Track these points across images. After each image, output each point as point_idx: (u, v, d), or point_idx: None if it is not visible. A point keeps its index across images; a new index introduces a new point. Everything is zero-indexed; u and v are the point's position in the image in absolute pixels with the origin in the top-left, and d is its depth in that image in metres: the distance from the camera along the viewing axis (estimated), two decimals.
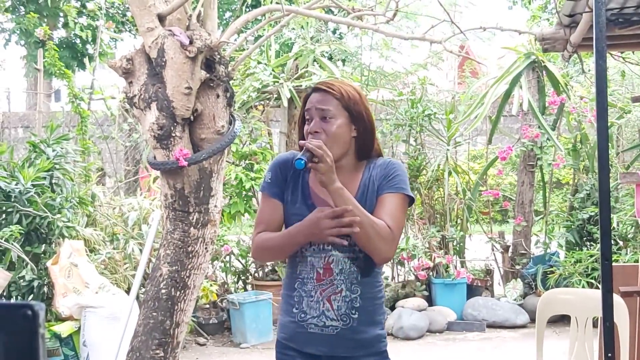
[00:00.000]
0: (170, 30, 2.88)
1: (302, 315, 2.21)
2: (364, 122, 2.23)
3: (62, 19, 14.46)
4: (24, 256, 4.89)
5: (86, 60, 8.06)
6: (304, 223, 2.13)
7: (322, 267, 2.20)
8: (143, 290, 4.09)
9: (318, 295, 2.19)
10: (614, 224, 6.50)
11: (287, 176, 2.27)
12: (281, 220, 2.28)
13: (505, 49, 7.63)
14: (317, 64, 7.09)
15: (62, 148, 5.45)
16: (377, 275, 2.26)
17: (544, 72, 6.92)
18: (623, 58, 4.94)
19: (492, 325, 6.43)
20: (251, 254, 2.43)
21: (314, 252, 2.21)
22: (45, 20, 13.59)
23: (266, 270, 6.93)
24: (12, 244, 4.84)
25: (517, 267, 6.95)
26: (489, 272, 7.11)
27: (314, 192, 2.24)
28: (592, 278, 6.18)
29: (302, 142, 2.10)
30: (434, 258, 6.70)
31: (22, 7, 14.20)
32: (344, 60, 8.34)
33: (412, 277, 7.00)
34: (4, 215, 4.99)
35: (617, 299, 2.69)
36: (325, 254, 2.20)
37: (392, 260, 6.47)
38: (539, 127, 6.81)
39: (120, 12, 14.33)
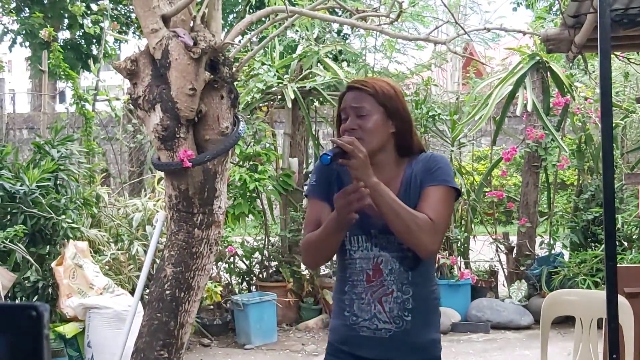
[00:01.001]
0: (174, 32, 2.89)
1: (354, 319, 2.19)
2: (400, 118, 2.21)
3: (66, 20, 14.48)
4: (28, 257, 4.90)
5: (91, 61, 8.07)
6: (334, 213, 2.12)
7: (371, 269, 2.18)
8: (147, 291, 4.09)
9: (369, 297, 2.17)
10: (619, 225, 6.49)
11: (332, 177, 2.26)
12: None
13: (509, 50, 7.62)
14: (321, 65, 7.09)
15: (66, 149, 5.47)
16: (429, 275, 2.23)
17: (548, 72, 6.91)
18: (627, 59, 4.93)
19: (497, 327, 6.43)
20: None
21: (362, 254, 2.19)
22: (50, 21, 13.61)
23: (270, 271, 6.93)
24: (17, 245, 4.85)
25: (522, 268, 6.94)
26: (493, 273, 7.10)
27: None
28: (597, 279, 6.16)
29: (332, 139, 2.08)
30: (438, 259, 6.69)
31: (27, 9, 14.23)
32: (348, 61, 8.34)
33: None
34: (8, 217, 5.00)
35: (621, 300, 2.69)
36: (373, 255, 2.18)
37: None
38: (543, 127, 6.80)
39: (124, 13, 14.35)
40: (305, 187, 2.34)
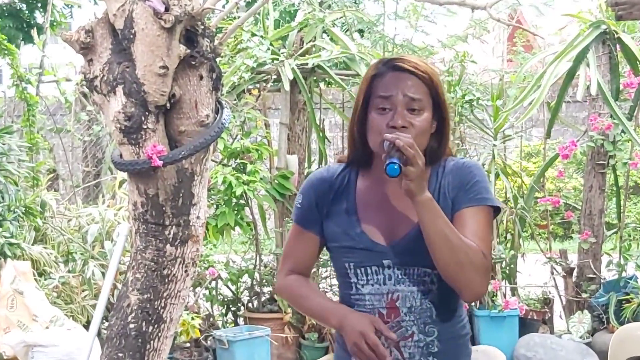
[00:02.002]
0: None
1: None
2: (442, 115, 2.23)
3: None
4: None
5: (34, 32, 8.08)
6: (347, 315, 2.17)
7: (385, 307, 2.20)
8: (106, 324, 4.09)
9: (383, 341, 2.18)
10: None
11: (325, 201, 2.27)
12: (314, 256, 2.33)
13: (567, 16, 7.61)
14: (328, 36, 7.09)
15: (3, 144, 5.47)
16: (456, 307, 2.25)
17: (617, 45, 6.89)
18: None
19: None
20: (275, 291, 2.49)
21: (372, 289, 2.21)
22: None
23: (262, 299, 6.93)
24: None
25: (584, 295, 6.93)
26: (547, 302, 7.09)
27: (362, 204, 2.24)
28: None
29: (389, 135, 2.06)
30: None
31: None
32: (361, 32, 8.34)
33: None
34: None
35: None
36: (387, 290, 2.20)
37: None
38: (611, 116, 6.78)
39: None
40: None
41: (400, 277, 2.18)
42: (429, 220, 2.05)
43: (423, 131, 2.14)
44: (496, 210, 2.21)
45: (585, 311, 6.82)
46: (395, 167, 1.99)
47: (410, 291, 2.18)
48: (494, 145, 7.12)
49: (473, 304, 6.75)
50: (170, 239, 3.04)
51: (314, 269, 6.57)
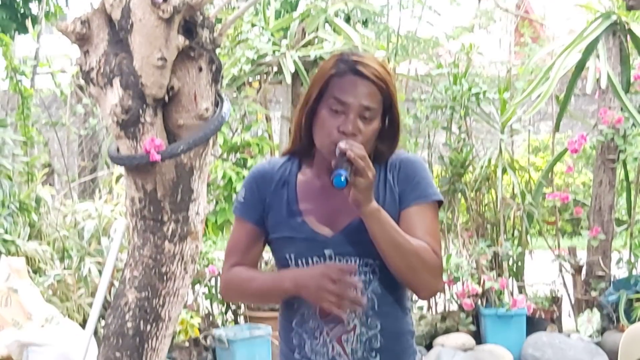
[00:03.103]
0: None
1: None
2: (392, 115, 2.26)
3: None
4: None
5: (29, 22, 8.08)
6: (300, 272, 2.17)
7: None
8: (103, 323, 4.09)
9: (324, 336, 2.20)
10: None
11: (266, 193, 2.29)
12: (258, 250, 2.33)
13: (577, 6, 7.59)
14: (330, 27, 7.08)
15: None
16: (401, 301, 2.26)
17: (628, 36, 6.88)
18: None
19: None
20: (220, 292, 2.47)
21: None
22: None
23: None
24: None
25: (593, 293, 6.92)
26: (555, 300, 7.08)
27: (303, 195, 2.26)
28: None
29: (343, 145, 2.08)
30: (484, 282, 6.68)
31: None
32: (365, 23, 8.34)
33: (454, 307, 6.98)
34: None
35: None
36: None
37: None
38: (621, 109, 6.78)
39: None
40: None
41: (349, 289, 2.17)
42: (378, 228, 2.09)
43: (370, 139, 2.17)
44: (440, 203, 2.26)
45: (595, 310, 6.82)
46: (342, 179, 2.02)
47: None
48: (501, 139, 7.11)
49: (479, 302, 6.75)
50: (169, 236, 3.04)
51: None
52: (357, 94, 2.16)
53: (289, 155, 2.35)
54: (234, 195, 6.44)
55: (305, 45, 6.95)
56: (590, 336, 6.66)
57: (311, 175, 2.29)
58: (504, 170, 7.07)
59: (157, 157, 2.91)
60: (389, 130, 2.25)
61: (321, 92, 2.20)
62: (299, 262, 2.22)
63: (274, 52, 6.80)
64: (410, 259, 2.10)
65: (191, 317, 5.98)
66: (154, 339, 3.07)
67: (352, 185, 2.04)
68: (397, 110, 2.24)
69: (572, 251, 7.27)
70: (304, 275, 2.14)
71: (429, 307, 7.13)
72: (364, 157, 2.04)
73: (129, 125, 2.92)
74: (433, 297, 7.00)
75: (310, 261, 2.20)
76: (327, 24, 7.07)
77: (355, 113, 2.15)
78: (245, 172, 6.36)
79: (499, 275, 6.92)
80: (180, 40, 2.91)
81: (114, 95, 2.90)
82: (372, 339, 2.19)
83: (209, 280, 6.72)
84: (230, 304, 6.93)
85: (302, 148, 2.29)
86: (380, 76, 2.17)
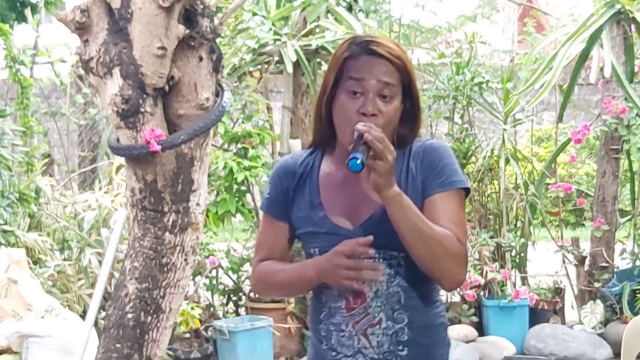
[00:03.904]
0: None
1: (333, 354, 2.23)
2: (413, 97, 2.22)
3: None
4: None
5: (28, 11, 8.07)
6: (320, 258, 2.18)
7: (351, 292, 2.19)
8: (103, 314, 4.10)
9: (350, 329, 2.20)
10: None
11: (290, 187, 2.29)
12: (286, 245, 2.34)
13: None
14: (332, 15, 7.07)
15: None
16: (430, 293, 2.24)
17: (632, 26, 6.87)
18: None
19: None
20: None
21: None
22: None
23: None
24: None
25: (597, 284, 6.93)
26: (558, 292, 7.09)
27: (325, 188, 2.25)
28: None
29: (360, 126, 2.04)
30: (486, 273, 6.68)
31: None
32: (366, 12, 8.31)
33: (456, 298, 6.98)
34: None
35: None
36: None
37: None
38: (625, 99, 6.77)
39: None
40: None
41: (365, 260, 2.16)
42: (399, 214, 2.06)
43: (391, 119, 2.15)
44: (467, 191, 2.21)
45: (598, 301, 6.83)
46: (358, 162, 1.98)
47: None
48: (504, 129, 7.11)
49: (482, 293, 6.76)
50: (169, 227, 3.04)
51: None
52: (373, 71, 2.13)
53: (312, 148, 2.34)
54: (235, 186, 6.45)
55: (306, 35, 6.94)
56: (594, 327, 6.66)
57: (333, 167, 2.27)
58: (507, 161, 7.06)
59: (158, 148, 2.90)
60: (409, 112, 2.21)
61: (337, 78, 2.18)
62: (323, 254, 2.22)
63: (275, 41, 6.79)
64: (433, 247, 2.06)
65: (192, 308, 5.98)
66: (155, 330, 3.08)
67: (371, 168, 2.01)
68: (416, 90, 2.21)
69: (575, 242, 7.28)
70: (322, 259, 2.15)
71: None
72: (383, 139, 2.01)
73: (129, 115, 2.92)
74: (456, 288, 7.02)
75: None
76: (328, 13, 7.05)
77: (374, 91, 2.12)
78: (246, 163, 6.37)
79: (502, 266, 6.93)
80: (181, 30, 2.91)
81: (114, 84, 2.90)
82: (399, 332, 2.18)
83: (210, 272, 6.73)
84: (231, 295, 6.95)
85: (324, 139, 2.28)
86: (396, 54, 2.15)
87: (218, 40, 3.07)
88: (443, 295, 7.14)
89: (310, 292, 2.32)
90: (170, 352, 6.02)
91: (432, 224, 2.08)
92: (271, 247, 2.33)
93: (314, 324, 2.30)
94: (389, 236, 2.11)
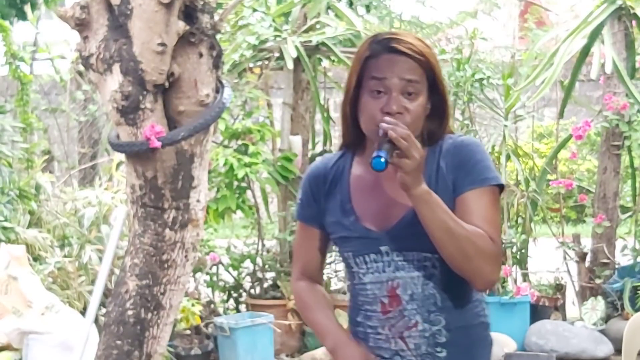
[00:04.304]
0: None
1: (372, 356, 2.23)
2: (439, 94, 2.19)
3: None
4: None
5: (28, 7, 8.06)
6: (340, 341, 2.23)
7: (386, 296, 2.19)
8: (103, 311, 4.10)
9: (387, 332, 2.20)
10: None
11: (321, 193, 2.28)
12: (321, 252, 2.35)
13: None
14: (332, 12, 7.06)
15: None
16: (466, 293, 2.22)
17: (633, 22, 6.86)
18: None
19: (564, 358, 6.42)
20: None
21: (373, 277, 2.21)
22: None
23: (265, 285, 6.95)
24: None
25: (598, 281, 6.93)
26: (559, 288, 7.09)
27: (355, 191, 2.23)
28: None
29: (384, 124, 2.01)
30: None
31: None
32: (367, 7, 8.31)
33: None
34: None
35: None
36: (387, 278, 2.19)
37: None
38: (627, 95, 6.76)
39: None
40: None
41: (399, 263, 2.16)
42: (428, 213, 2.02)
43: (418, 116, 2.11)
44: (501, 187, 2.17)
45: (599, 297, 6.83)
46: (382, 160, 1.95)
47: (410, 277, 2.16)
48: (505, 125, 7.11)
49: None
50: (170, 223, 3.04)
51: None
52: (395, 69, 2.10)
53: (343, 150, 2.32)
54: (235, 183, 6.45)
55: (307, 31, 6.94)
56: (595, 324, 6.67)
57: (364, 168, 2.23)
58: (508, 157, 7.06)
59: (158, 144, 2.90)
60: (437, 107, 2.18)
61: (359, 78, 2.15)
62: (357, 260, 2.23)
63: (275, 37, 6.79)
64: (463, 245, 2.02)
65: (192, 305, 5.99)
66: (155, 326, 3.08)
67: (397, 166, 1.97)
68: (442, 85, 2.18)
69: (577, 238, 7.28)
70: (342, 352, 2.21)
71: None
72: (408, 136, 1.96)
73: (129, 111, 2.92)
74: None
75: (367, 258, 2.20)
76: (329, 9, 7.05)
77: (398, 90, 2.09)
78: (247, 159, 6.37)
79: (503, 262, 6.92)
80: (181, 26, 2.91)
81: (114, 81, 2.90)
82: (436, 334, 2.16)
83: (210, 268, 6.74)
84: (232, 291, 6.96)
85: (353, 140, 2.25)
86: (418, 49, 2.12)
87: (218, 36, 3.07)
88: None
89: (349, 290, 2.34)
90: (171, 349, 6.03)
91: (463, 223, 2.04)
92: (306, 257, 2.35)
93: (352, 325, 2.31)
94: (421, 238, 2.08)
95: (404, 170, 1.97)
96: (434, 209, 2.02)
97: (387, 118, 2.04)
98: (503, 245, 6.97)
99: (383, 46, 2.13)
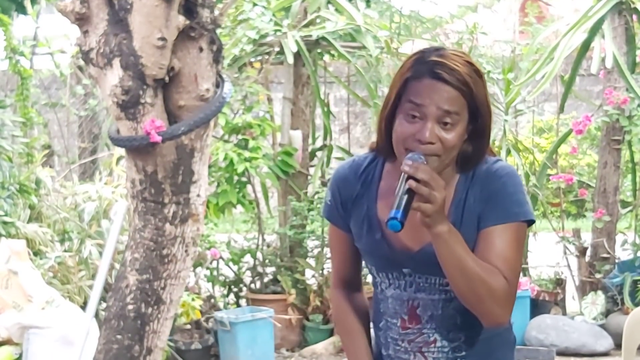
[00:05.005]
0: None
1: None
2: (482, 118, 2.08)
3: None
4: None
5: (28, 2, 8.06)
6: None
7: (406, 313, 2.18)
8: (104, 305, 4.10)
9: (406, 345, 2.19)
10: None
11: (348, 199, 2.22)
12: (355, 251, 2.28)
13: None
14: (333, 6, 7.05)
15: None
16: None
17: (633, 16, 6.86)
18: None
19: (564, 353, 6.43)
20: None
21: (394, 293, 2.19)
22: None
23: (265, 280, 6.95)
24: None
25: (598, 275, 6.93)
26: (559, 283, 7.09)
27: (383, 207, 2.15)
28: None
29: (406, 167, 1.93)
30: None
31: None
32: (367, 1, 8.31)
33: None
34: None
35: None
36: (407, 297, 2.17)
37: None
38: (627, 89, 6.76)
39: None
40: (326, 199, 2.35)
41: (421, 285, 2.14)
42: (445, 251, 1.97)
43: (452, 146, 2.02)
44: (530, 223, 2.10)
45: (599, 292, 6.83)
46: (397, 223, 1.90)
47: (431, 299, 2.14)
48: (505, 120, 7.10)
49: None
50: (170, 218, 3.04)
51: None
52: (435, 98, 1.99)
53: (373, 154, 2.24)
54: (235, 177, 6.45)
55: (307, 25, 6.93)
56: (595, 318, 6.67)
57: (394, 179, 2.10)
58: (508, 152, 7.06)
59: (158, 139, 2.90)
60: (476, 131, 2.08)
61: (399, 95, 2.06)
62: (380, 274, 2.21)
63: (275, 32, 6.78)
64: (476, 286, 1.96)
65: (193, 299, 5.99)
66: (155, 321, 3.08)
67: (417, 211, 1.92)
68: (486, 111, 2.07)
69: (577, 233, 7.28)
70: None
71: None
72: (429, 180, 1.89)
73: (129, 106, 2.91)
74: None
75: (389, 275, 2.18)
76: (329, 4, 7.04)
77: (434, 119, 1.99)
78: (247, 154, 6.36)
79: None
80: (181, 20, 2.91)
81: (114, 75, 2.90)
82: (456, 349, 2.16)
83: (211, 263, 6.74)
84: (232, 286, 6.96)
85: (385, 149, 2.15)
86: (463, 79, 2.00)
87: (218, 31, 3.06)
88: None
89: (373, 297, 2.30)
90: (171, 344, 6.03)
91: (479, 262, 1.98)
92: (341, 261, 2.33)
93: (375, 329, 2.29)
94: None
95: (425, 214, 1.93)
96: (453, 247, 1.96)
97: (409, 159, 1.96)
98: None
99: (427, 69, 2.02)
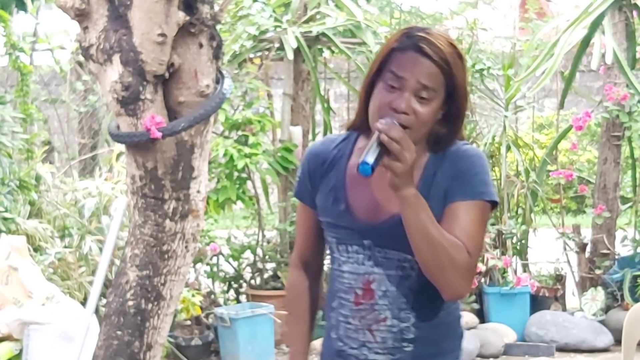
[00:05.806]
0: None
1: (340, 344, 2.27)
2: (458, 101, 2.14)
3: None
4: None
5: None
6: None
7: (361, 288, 2.20)
8: (104, 301, 4.10)
9: (357, 322, 2.21)
10: None
11: (317, 175, 2.26)
12: (319, 231, 2.30)
13: None
14: (333, 2, 7.05)
15: None
16: (442, 298, 2.18)
17: (634, 12, 6.85)
18: None
19: (564, 349, 6.44)
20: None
21: (351, 268, 2.21)
22: None
23: (265, 276, 6.95)
24: None
25: (598, 271, 6.94)
26: (559, 279, 7.10)
27: (351, 180, 2.20)
28: None
29: (379, 125, 1.99)
30: (487, 260, 6.69)
31: None
32: None
33: None
34: None
35: None
36: (364, 271, 2.19)
37: None
38: (627, 85, 6.76)
39: None
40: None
41: (379, 259, 2.16)
42: (411, 216, 2.00)
43: (425, 121, 2.07)
44: (493, 204, 2.14)
45: (599, 288, 6.84)
46: (367, 167, 1.94)
47: (387, 275, 2.16)
48: (505, 116, 7.10)
49: (483, 280, 6.76)
50: (170, 214, 3.04)
51: None
52: (416, 71, 2.05)
53: (348, 132, 2.29)
54: (235, 173, 6.45)
55: (307, 21, 6.93)
56: (594, 314, 6.67)
57: None
58: (508, 148, 7.06)
59: (158, 135, 2.90)
60: (450, 114, 2.13)
61: (381, 66, 2.11)
62: (339, 247, 2.23)
63: (275, 28, 6.78)
64: (439, 254, 2.00)
65: (193, 295, 5.99)
66: (156, 317, 3.08)
67: (387, 168, 1.96)
68: (462, 94, 2.12)
69: (576, 229, 7.28)
70: None
71: None
72: (402, 139, 1.94)
73: (129, 102, 2.91)
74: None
75: (349, 248, 2.20)
76: (329, 0, 7.04)
77: (411, 90, 2.05)
78: (247, 150, 6.37)
79: (503, 253, 6.92)
80: (181, 16, 2.90)
81: (114, 71, 2.90)
82: (404, 330, 2.17)
83: (211, 259, 6.74)
84: (232, 282, 6.97)
85: (362, 123, 2.20)
86: (445, 57, 2.06)
87: (218, 27, 3.06)
88: None
89: (329, 277, 2.33)
90: (171, 340, 6.04)
91: (444, 232, 2.02)
92: (304, 238, 2.36)
93: (327, 311, 2.34)
94: (405, 239, 2.06)
95: (394, 173, 1.96)
96: (418, 212, 2.00)
97: (384, 120, 2.01)
98: (503, 236, 6.98)
99: (412, 43, 2.07)
